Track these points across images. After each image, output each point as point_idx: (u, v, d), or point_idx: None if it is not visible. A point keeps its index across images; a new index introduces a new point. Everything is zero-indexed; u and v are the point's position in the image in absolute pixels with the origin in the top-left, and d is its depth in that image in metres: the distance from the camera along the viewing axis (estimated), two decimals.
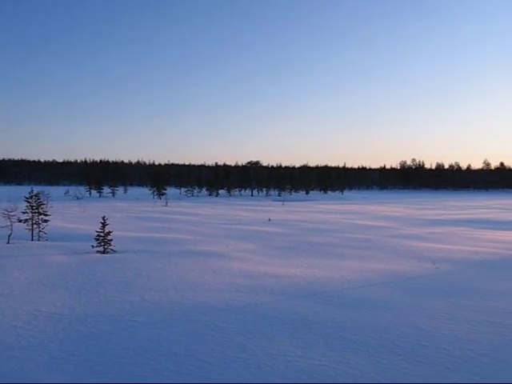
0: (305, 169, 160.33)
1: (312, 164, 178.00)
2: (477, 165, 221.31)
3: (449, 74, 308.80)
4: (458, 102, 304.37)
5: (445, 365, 8.07)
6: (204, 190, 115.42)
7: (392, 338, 9.39)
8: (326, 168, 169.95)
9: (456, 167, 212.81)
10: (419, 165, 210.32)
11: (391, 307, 11.84)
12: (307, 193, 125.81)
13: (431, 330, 10.04)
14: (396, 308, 11.77)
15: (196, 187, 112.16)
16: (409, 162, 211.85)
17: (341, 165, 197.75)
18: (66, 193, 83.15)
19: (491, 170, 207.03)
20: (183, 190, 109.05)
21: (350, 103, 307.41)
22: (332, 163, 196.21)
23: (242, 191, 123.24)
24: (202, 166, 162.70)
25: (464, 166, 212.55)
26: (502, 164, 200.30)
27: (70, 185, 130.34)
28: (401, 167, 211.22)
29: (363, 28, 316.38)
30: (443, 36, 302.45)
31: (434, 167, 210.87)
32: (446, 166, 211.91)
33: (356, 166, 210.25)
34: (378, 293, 13.42)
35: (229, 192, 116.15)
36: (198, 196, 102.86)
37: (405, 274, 16.50)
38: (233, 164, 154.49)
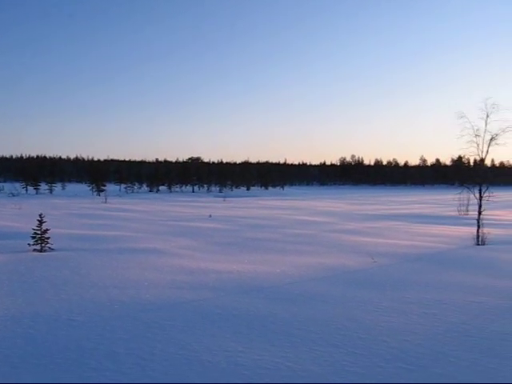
0: (246, 165, 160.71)
1: (253, 160, 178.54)
2: (414, 161, 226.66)
3: (385, 70, 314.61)
4: (395, 99, 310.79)
5: (383, 356, 8.25)
6: (144, 186, 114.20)
7: (331, 332, 9.53)
8: (266, 164, 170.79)
9: (394, 163, 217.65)
10: (358, 161, 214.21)
11: (331, 301, 12.01)
12: (248, 189, 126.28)
13: (369, 322, 10.25)
14: (336, 302, 11.95)
15: (136, 183, 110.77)
16: (348, 159, 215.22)
17: (281, 161, 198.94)
18: (1, 189, 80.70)
19: (427, 166, 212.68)
20: (123, 186, 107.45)
21: (291, 99, 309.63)
22: (273, 159, 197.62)
23: (183, 187, 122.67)
24: (143, 162, 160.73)
25: (401, 162, 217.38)
26: (437, 160, 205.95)
27: (4, 181, 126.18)
28: (340, 163, 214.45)
29: (299, 22, 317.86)
30: (376, 32, 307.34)
31: (372, 163, 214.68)
32: (385, 163, 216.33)
33: (296, 163, 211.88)
34: (319, 287, 13.59)
35: (169, 188, 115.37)
36: (138, 192, 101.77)
37: (344, 268, 16.78)
38: (173, 160, 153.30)
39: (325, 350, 8.49)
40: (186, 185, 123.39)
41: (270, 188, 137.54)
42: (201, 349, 8.45)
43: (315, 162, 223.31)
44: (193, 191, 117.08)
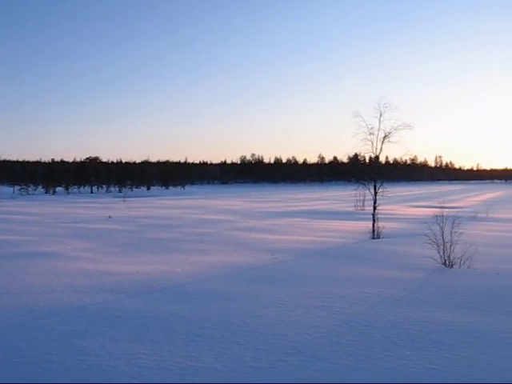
0: (146, 164, 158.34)
1: (153, 159, 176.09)
2: (312, 159, 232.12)
3: (284, 66, 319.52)
4: (293, 97, 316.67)
5: (284, 350, 8.36)
6: (40, 187, 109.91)
7: (234, 329, 9.56)
8: (167, 163, 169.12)
9: (293, 161, 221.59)
10: (258, 159, 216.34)
11: (233, 298, 12.06)
12: (148, 188, 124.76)
13: (271, 318, 10.37)
14: (238, 299, 12.01)
15: (31, 185, 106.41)
16: (248, 157, 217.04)
17: (182, 160, 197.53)
18: None
19: (325, 163, 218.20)
20: (17, 188, 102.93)
21: (190, 98, 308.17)
22: (173, 158, 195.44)
23: (81, 188, 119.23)
24: (38, 163, 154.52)
25: (300, 160, 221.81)
26: (335, 158, 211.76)
27: None
28: (241, 162, 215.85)
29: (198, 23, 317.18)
30: (277, 29, 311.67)
31: (272, 161, 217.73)
32: (284, 161, 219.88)
33: (197, 161, 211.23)
34: (220, 285, 13.61)
35: (67, 189, 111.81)
36: (33, 194, 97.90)
37: (246, 265, 16.90)
38: (71, 160, 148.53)
39: (227, 348, 8.50)
40: (84, 186, 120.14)
41: (171, 187, 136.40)
42: (102, 353, 8.22)
43: (216, 160, 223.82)
44: (91, 192, 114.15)
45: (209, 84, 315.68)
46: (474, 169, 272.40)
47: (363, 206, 45.82)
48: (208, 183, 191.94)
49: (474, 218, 36.74)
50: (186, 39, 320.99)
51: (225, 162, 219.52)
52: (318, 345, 8.64)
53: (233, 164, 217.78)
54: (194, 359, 7.94)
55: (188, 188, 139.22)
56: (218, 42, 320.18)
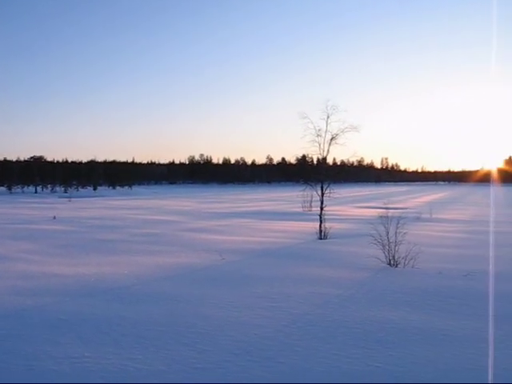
0: (92, 164, 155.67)
1: (100, 159, 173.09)
2: (261, 160, 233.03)
3: (231, 68, 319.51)
4: (241, 98, 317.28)
5: (231, 351, 8.39)
6: None
7: (181, 330, 9.52)
8: (114, 163, 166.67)
9: (242, 162, 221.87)
10: (207, 160, 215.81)
11: (181, 299, 12.01)
12: (95, 189, 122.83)
13: (218, 318, 10.37)
14: (185, 300, 11.96)
15: None
16: (197, 157, 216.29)
17: (129, 160, 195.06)
18: None
19: (274, 164, 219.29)
20: None
21: (138, 97, 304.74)
22: (120, 158, 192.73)
23: (25, 188, 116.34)
24: None
25: (249, 161, 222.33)
26: (283, 159, 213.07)
27: None
28: (189, 162, 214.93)
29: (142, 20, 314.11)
30: (223, 28, 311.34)
31: (221, 162, 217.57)
32: (233, 161, 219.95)
33: (145, 161, 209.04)
34: (168, 286, 13.52)
35: (9, 189, 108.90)
36: None
37: (193, 266, 16.84)
38: (14, 159, 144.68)
39: (174, 349, 8.46)
40: (29, 185, 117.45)
41: (118, 188, 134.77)
42: (45, 357, 8.06)
43: (164, 160, 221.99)
44: (36, 192, 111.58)
45: (156, 84, 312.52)
46: (419, 171, 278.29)
47: (311, 206, 46.23)
48: (156, 183, 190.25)
49: (418, 219, 37.57)
50: (133, 38, 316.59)
51: (173, 162, 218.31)
52: (264, 345, 8.70)
53: (181, 164, 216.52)
54: (140, 362, 7.88)
55: (135, 188, 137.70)
56: (166, 41, 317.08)
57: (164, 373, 7.42)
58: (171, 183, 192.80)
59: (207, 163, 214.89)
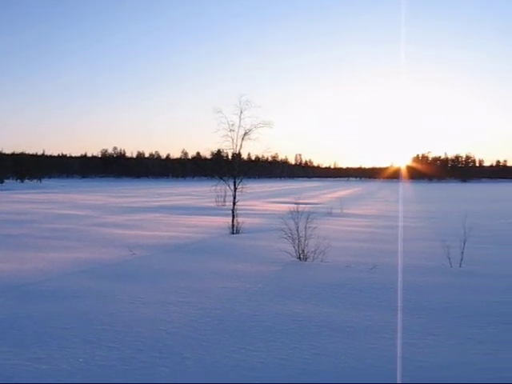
0: None
1: (7, 151, 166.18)
2: (175, 154, 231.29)
3: (145, 60, 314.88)
4: (155, 91, 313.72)
5: (137, 347, 8.26)
6: None
7: (86, 328, 9.29)
8: (22, 155, 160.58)
9: (156, 156, 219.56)
10: (120, 153, 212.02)
11: (87, 296, 11.71)
12: (2, 182, 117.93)
13: (125, 314, 10.20)
14: (92, 296, 11.68)
15: None
16: (110, 151, 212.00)
17: (39, 152, 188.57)
18: None
19: (188, 159, 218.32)
20: None
21: (50, 87, 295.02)
22: (29, 150, 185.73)
23: None
24: None
25: (163, 154, 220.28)
26: (198, 154, 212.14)
27: None
28: (102, 155, 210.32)
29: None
30: (139, 23, 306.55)
31: (134, 156, 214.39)
32: (147, 155, 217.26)
33: (56, 154, 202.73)
34: (75, 282, 13.16)
35: None
36: None
37: (103, 262, 16.48)
38: None
39: (78, 347, 8.24)
40: None
41: (27, 181, 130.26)
42: None
43: (76, 153, 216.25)
44: None
45: (69, 75, 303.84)
46: (332, 167, 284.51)
47: (224, 201, 46.30)
48: (67, 177, 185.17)
49: (329, 214, 38.45)
50: (47, 31, 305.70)
51: (85, 155, 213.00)
52: (171, 340, 8.63)
53: (93, 157, 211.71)
54: (44, 361, 7.61)
55: (45, 182, 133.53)
56: (81, 34, 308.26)
57: (67, 372, 7.22)
58: (83, 177, 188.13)
59: (121, 157, 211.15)
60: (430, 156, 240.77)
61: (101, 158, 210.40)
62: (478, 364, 7.77)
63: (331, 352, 8.19)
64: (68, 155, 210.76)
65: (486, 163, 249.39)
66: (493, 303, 11.54)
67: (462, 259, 16.36)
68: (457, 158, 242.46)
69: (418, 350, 8.37)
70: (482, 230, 26.21)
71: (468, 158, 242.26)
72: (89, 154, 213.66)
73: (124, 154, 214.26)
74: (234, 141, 27.06)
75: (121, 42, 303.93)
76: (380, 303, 11.49)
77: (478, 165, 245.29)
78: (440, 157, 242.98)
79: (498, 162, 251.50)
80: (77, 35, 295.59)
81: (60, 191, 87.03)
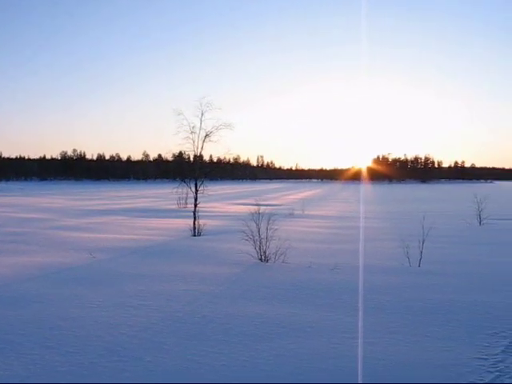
0: None
1: None
2: (137, 156, 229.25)
3: (107, 63, 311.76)
4: (115, 92, 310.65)
5: (97, 351, 8.17)
6: None
7: (44, 333, 9.14)
8: None
9: (117, 158, 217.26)
10: (80, 155, 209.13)
11: (46, 301, 11.53)
12: None
13: (85, 319, 10.07)
14: (51, 301, 11.51)
15: None
16: (70, 153, 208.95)
17: None
18: None
19: (150, 161, 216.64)
20: None
21: (10, 90, 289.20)
22: None
23: None
24: None
25: (124, 157, 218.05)
26: (159, 156, 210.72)
27: None
28: (62, 158, 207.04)
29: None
30: (93, 28, 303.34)
31: (95, 158, 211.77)
32: (107, 157, 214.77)
33: (13, 156, 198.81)
34: (34, 287, 12.92)
35: None
36: None
37: (62, 265, 16.22)
38: None
39: (36, 353, 8.10)
40: None
41: None
42: None
43: (34, 155, 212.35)
44: None
45: (26, 75, 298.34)
46: (293, 168, 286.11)
47: (186, 203, 46.07)
48: (25, 180, 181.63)
49: (290, 215, 38.67)
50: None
51: (44, 157, 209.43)
52: (132, 344, 8.56)
53: (53, 160, 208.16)
54: (1, 368, 7.47)
55: (2, 185, 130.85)
56: (37, 36, 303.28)
57: (25, 378, 7.09)
58: (42, 179, 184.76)
59: (81, 159, 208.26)
60: (390, 157, 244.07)
61: (60, 160, 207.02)
62: (436, 360, 7.93)
63: (293, 353, 8.23)
64: (26, 157, 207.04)
65: (445, 164, 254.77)
66: (449, 301, 11.78)
67: (420, 259, 16.64)
68: (416, 159, 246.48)
69: (379, 348, 8.49)
70: (440, 230, 26.66)
71: (427, 159, 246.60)
72: (48, 156, 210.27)
73: (84, 156, 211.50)
74: (195, 143, 27.05)
75: (83, 43, 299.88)
76: (341, 303, 11.60)
77: (436, 166, 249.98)
78: (400, 158, 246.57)
79: (456, 163, 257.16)
80: (29, 36, 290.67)
81: (19, 194, 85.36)
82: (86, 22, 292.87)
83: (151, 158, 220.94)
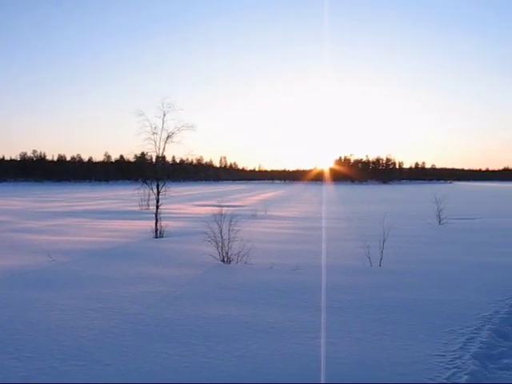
0: None
1: None
2: (98, 157, 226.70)
3: (71, 62, 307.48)
4: (78, 93, 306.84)
5: (57, 355, 8.04)
6: None
7: (3, 338, 8.93)
8: None
9: (78, 159, 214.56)
10: (40, 156, 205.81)
11: (7, 305, 11.28)
12: None
13: (45, 322, 9.91)
14: (9, 305, 11.27)
15: None
16: (29, 154, 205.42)
17: None
18: None
19: (112, 162, 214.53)
20: None
21: None
22: None
23: None
24: None
25: (86, 158, 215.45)
26: (121, 157, 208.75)
27: None
28: (21, 159, 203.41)
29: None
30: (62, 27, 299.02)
31: (56, 159, 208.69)
32: (68, 158, 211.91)
33: None
34: None
35: None
36: None
37: (20, 269, 15.91)
38: None
39: None
40: None
41: None
42: None
43: None
44: None
45: None
46: (256, 169, 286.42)
47: (148, 205, 45.72)
48: None
49: (253, 216, 38.73)
50: None
51: (3, 158, 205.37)
52: (92, 347, 8.45)
53: (11, 160, 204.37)
54: None
55: None
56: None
57: None
58: (0, 181, 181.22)
59: (41, 160, 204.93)
60: (352, 158, 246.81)
61: (19, 161, 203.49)
62: (396, 358, 8.04)
63: (255, 353, 8.25)
64: None
65: (406, 165, 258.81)
66: (410, 300, 11.96)
67: (381, 258, 16.83)
68: (378, 160, 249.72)
69: (340, 348, 8.56)
70: (401, 230, 27.07)
71: (388, 160, 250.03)
72: (7, 157, 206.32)
73: (44, 157, 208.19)
74: (157, 144, 26.87)
75: (47, 44, 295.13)
76: (303, 303, 11.67)
77: (398, 167, 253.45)
78: (362, 159, 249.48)
79: (417, 164, 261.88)
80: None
81: None
82: (41, 19, 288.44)
83: (113, 159, 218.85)
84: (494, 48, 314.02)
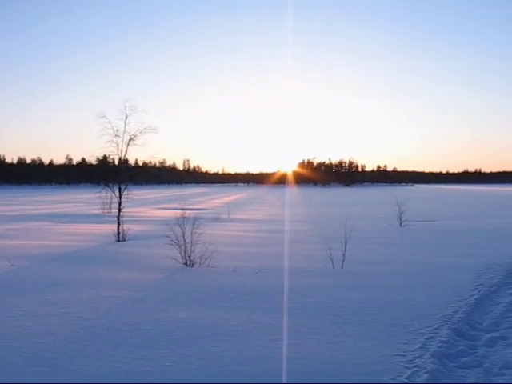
0: None
1: None
2: (59, 160, 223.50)
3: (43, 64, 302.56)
4: (44, 96, 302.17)
5: (16, 362, 7.93)
6: None
7: None
8: None
9: (39, 162, 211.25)
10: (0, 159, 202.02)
11: None
12: None
13: (5, 329, 9.74)
14: None
15: None
16: None
17: None
18: None
19: (73, 165, 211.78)
20: None
21: None
22: None
23: None
24: None
25: (47, 160, 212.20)
26: (83, 159, 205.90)
27: None
28: None
29: None
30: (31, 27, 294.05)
31: (15, 161, 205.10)
32: (29, 161, 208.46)
33: None
34: None
35: None
36: None
37: None
38: None
39: None
40: None
41: None
42: None
43: None
44: None
45: None
46: (220, 172, 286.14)
47: (110, 208, 45.15)
48: None
49: (216, 219, 38.69)
50: None
51: None
52: (52, 353, 8.35)
53: None
54: None
55: None
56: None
57: None
58: None
59: (0, 162, 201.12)
60: (315, 161, 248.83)
61: None
62: (357, 359, 8.16)
63: (217, 356, 8.27)
64: None
65: (368, 168, 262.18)
66: (371, 301, 12.13)
67: (343, 260, 17.02)
68: (340, 163, 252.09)
69: (303, 349, 8.65)
70: (363, 232, 27.36)
71: (351, 163, 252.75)
72: None
73: (4, 159, 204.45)
74: (119, 146, 26.59)
75: (22, 44, 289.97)
76: (265, 306, 11.73)
77: (360, 170, 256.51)
78: (324, 162, 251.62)
79: (379, 166, 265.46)
80: None
81: None
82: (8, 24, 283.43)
83: (74, 162, 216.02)
84: (451, 50, 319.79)
